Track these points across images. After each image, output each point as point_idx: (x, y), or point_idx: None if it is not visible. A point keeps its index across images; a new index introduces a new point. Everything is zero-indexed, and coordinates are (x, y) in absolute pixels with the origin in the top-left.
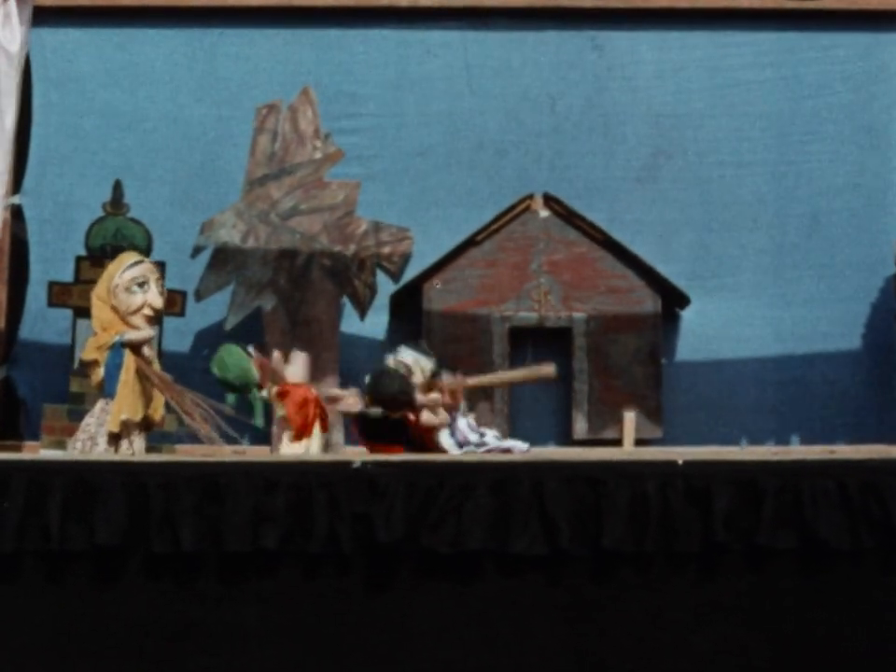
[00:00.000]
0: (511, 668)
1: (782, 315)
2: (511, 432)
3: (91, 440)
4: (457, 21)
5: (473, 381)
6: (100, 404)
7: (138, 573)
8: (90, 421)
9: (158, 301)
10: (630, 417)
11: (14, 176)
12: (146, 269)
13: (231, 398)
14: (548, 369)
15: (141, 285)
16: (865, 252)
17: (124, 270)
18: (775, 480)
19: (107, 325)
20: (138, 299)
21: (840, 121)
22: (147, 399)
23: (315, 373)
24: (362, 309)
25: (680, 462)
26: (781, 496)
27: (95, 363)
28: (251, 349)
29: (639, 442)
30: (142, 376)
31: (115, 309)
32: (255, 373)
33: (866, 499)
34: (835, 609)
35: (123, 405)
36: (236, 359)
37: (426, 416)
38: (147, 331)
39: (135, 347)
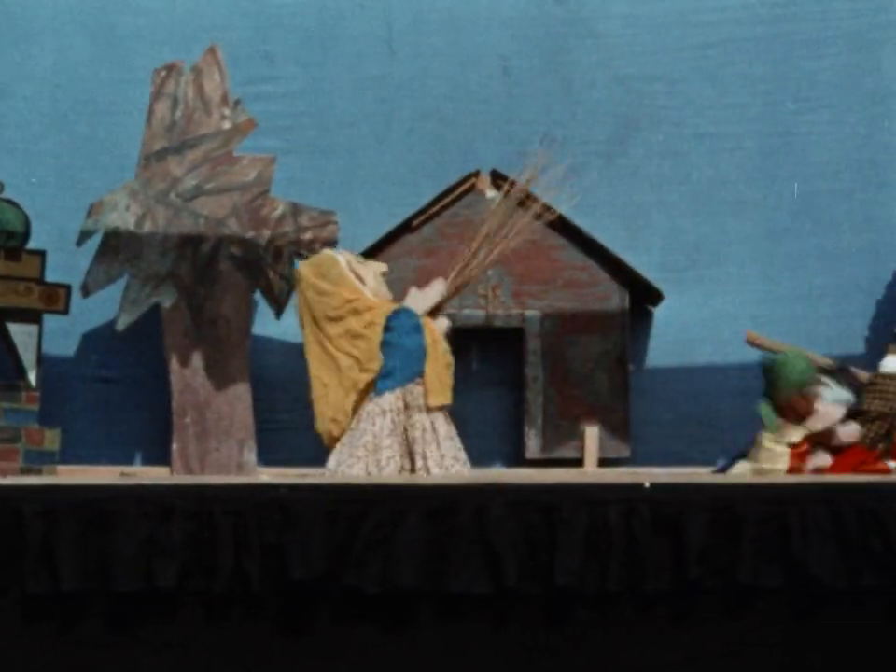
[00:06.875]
0: None
1: (771, 312)
2: None
3: (374, 451)
4: None
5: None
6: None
7: (10, 616)
8: (367, 427)
9: None
10: (592, 433)
11: None
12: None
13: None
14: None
15: None
16: (868, 239)
17: None
18: (757, 506)
19: None
20: None
21: (840, 86)
22: None
23: (222, 381)
24: (278, 306)
25: (647, 485)
26: (764, 525)
27: None
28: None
29: (603, 462)
30: None
31: None
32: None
33: (864, 529)
34: (830, 658)
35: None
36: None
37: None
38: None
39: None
